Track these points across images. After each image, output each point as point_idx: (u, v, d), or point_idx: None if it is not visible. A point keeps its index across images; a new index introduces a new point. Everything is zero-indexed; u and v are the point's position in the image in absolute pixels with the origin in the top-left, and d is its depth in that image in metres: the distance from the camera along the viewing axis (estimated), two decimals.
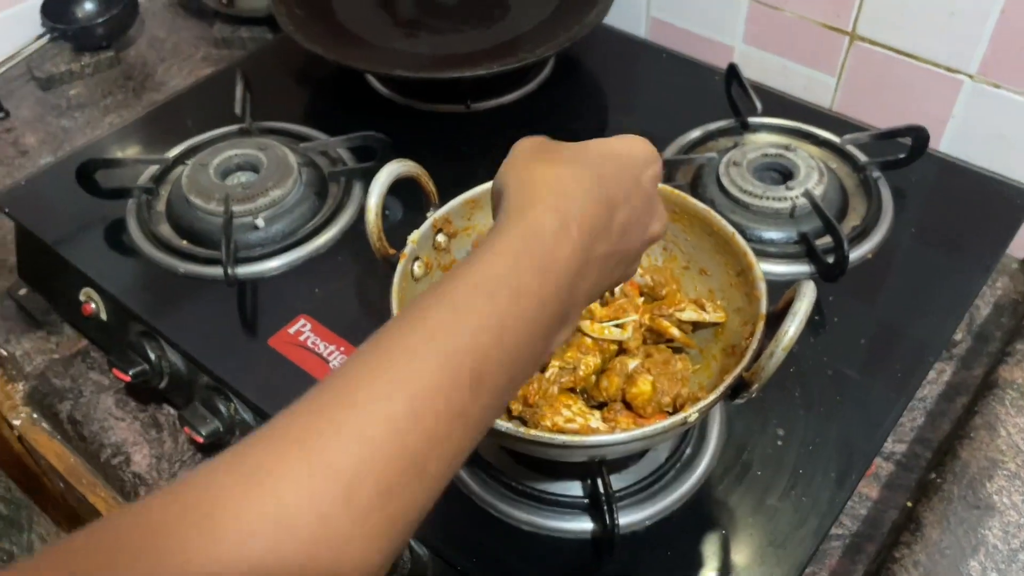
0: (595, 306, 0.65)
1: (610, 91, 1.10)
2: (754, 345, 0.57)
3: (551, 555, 0.64)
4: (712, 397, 0.54)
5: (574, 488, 0.66)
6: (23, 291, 0.93)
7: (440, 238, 0.67)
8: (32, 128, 1.14)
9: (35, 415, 0.90)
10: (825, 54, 1.01)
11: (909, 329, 0.78)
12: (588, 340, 0.63)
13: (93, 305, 0.85)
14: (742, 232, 0.80)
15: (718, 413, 0.71)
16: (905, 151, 0.88)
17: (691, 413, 0.54)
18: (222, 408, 0.76)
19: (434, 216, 0.66)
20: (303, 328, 0.78)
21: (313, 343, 0.76)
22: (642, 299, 0.67)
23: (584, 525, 0.65)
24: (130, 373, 0.78)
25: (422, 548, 0.66)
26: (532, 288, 0.41)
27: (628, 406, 0.61)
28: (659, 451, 0.68)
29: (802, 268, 0.82)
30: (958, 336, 0.85)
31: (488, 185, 0.63)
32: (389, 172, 0.62)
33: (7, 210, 0.91)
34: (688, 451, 0.68)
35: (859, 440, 0.70)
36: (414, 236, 0.64)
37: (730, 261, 0.65)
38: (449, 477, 0.39)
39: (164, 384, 0.81)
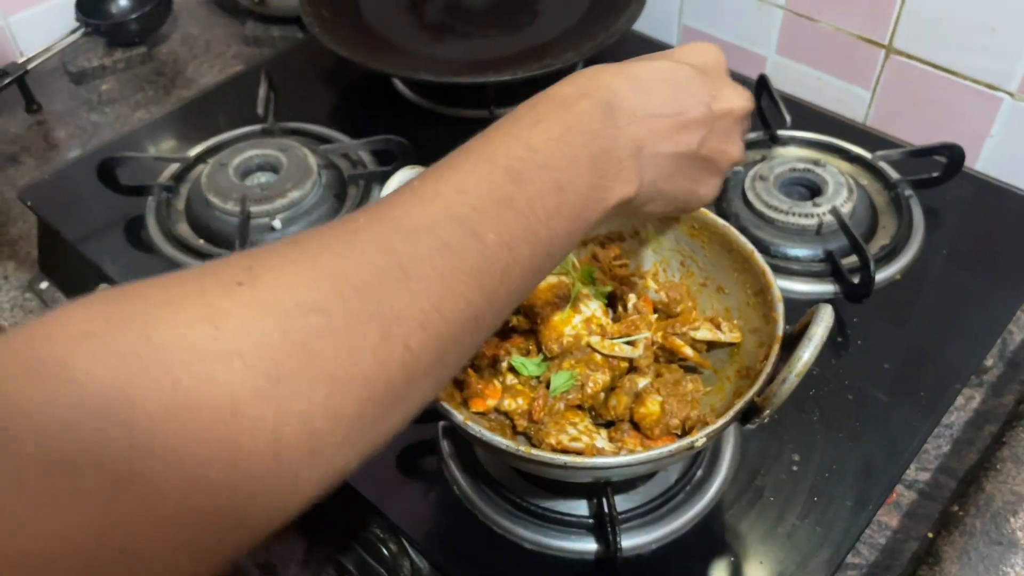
0: (607, 322, 0.64)
1: None
2: (768, 368, 0.55)
3: (553, 575, 0.63)
4: (721, 422, 0.52)
5: (579, 507, 0.64)
6: (44, 284, 0.93)
7: None
8: (63, 122, 1.15)
9: None
10: (860, 67, 0.99)
11: (937, 353, 0.76)
12: (598, 356, 0.61)
13: None
14: (765, 249, 0.79)
15: (732, 435, 0.69)
16: (939, 169, 0.86)
17: (699, 438, 0.52)
18: None
19: None
20: None
21: None
22: (656, 316, 0.66)
23: (588, 546, 0.63)
24: None
25: (423, 562, 0.65)
26: (550, 114, 0.45)
27: (636, 426, 0.60)
28: (669, 472, 0.66)
29: (826, 287, 0.80)
30: (989, 362, 0.82)
31: None
32: (400, 179, 0.61)
33: (29, 203, 0.92)
34: (699, 473, 0.67)
35: (880, 467, 0.67)
36: None
37: (749, 280, 0.63)
38: (521, 266, 0.42)
39: None
